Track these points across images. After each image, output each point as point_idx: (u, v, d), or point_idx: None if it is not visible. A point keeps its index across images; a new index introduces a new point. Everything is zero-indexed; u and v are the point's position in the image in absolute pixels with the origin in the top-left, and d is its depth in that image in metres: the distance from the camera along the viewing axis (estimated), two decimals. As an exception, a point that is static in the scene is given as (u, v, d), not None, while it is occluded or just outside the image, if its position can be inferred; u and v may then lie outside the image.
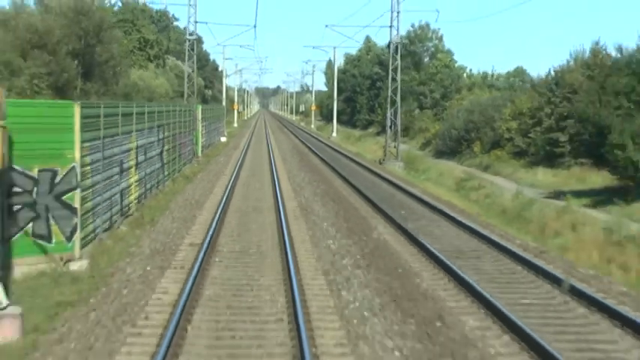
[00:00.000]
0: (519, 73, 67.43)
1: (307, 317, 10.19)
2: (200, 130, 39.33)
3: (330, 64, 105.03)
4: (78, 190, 13.47)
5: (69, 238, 13.27)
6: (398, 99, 44.29)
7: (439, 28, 78.15)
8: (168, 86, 55.49)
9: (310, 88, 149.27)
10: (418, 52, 74.97)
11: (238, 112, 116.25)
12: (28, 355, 8.91)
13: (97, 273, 12.87)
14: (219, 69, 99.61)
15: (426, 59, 76.15)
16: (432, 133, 54.01)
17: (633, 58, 30.49)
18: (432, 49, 75.15)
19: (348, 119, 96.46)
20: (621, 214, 23.05)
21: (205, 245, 14.63)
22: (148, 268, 13.30)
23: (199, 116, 38.96)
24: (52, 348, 9.12)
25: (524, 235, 19.12)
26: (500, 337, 9.89)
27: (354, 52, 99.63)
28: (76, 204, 13.43)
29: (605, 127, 27.58)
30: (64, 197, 13.18)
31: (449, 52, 73.51)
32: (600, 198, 27.08)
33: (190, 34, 48.25)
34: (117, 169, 17.03)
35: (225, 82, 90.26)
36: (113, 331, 9.71)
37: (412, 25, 76.17)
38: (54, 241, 12.99)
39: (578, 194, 27.98)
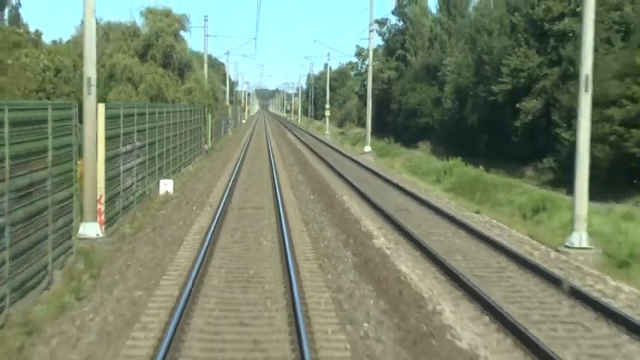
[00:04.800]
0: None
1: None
2: (237, 115, 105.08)
3: (309, 77, 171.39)
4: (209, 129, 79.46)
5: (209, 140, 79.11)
6: (312, 104, 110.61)
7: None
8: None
9: (300, 91, 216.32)
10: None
11: (247, 111, 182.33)
12: (218, 151, 74.74)
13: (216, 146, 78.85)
14: (227, 74, 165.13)
15: (349, 82, 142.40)
16: (337, 118, 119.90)
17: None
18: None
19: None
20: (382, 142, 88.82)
21: (253, 128, 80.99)
22: (234, 144, 79.31)
23: (238, 110, 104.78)
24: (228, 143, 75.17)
25: (316, 131, 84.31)
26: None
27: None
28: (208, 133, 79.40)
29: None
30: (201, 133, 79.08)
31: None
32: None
33: (231, 79, 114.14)
34: (225, 121, 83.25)
35: (235, 91, 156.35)
36: (237, 141, 75.61)
37: (340, 64, 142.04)
38: (207, 144, 78.69)
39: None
